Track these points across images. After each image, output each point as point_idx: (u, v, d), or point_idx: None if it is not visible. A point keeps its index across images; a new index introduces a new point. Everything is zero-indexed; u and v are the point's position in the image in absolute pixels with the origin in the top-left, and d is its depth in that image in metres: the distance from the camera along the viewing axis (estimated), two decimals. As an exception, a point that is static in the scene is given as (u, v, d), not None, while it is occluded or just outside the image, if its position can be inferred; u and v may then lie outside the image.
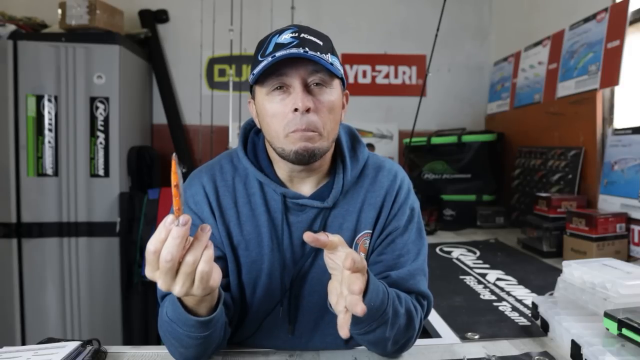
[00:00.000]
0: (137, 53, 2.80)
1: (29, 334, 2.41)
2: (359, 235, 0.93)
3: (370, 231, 0.94)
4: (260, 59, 0.82)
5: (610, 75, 1.88)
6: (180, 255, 0.62)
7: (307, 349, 0.97)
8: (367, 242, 0.94)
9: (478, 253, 1.94)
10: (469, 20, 3.23)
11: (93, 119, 2.44)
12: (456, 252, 1.96)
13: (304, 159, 0.83)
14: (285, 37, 0.81)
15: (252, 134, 0.97)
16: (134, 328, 2.56)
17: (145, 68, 2.98)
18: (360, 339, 0.86)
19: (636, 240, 1.71)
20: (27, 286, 2.42)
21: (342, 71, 0.89)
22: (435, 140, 2.85)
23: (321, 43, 0.84)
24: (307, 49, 0.79)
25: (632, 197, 1.73)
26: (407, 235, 0.94)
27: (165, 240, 0.61)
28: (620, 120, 1.95)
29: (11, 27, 2.40)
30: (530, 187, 2.39)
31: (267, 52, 0.81)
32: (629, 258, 1.71)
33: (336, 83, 0.87)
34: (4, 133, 2.37)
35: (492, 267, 1.71)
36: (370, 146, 3.17)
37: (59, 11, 2.43)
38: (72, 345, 0.88)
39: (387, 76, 3.25)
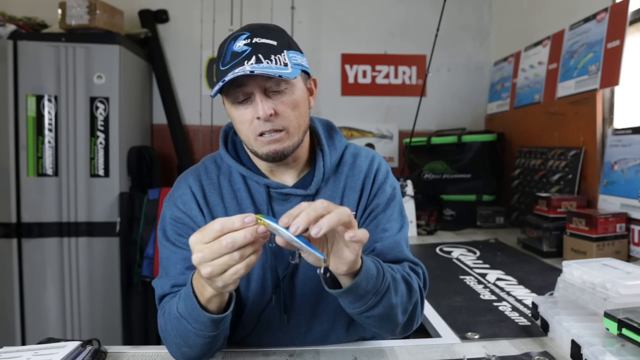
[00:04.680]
0: (137, 53, 2.80)
1: (29, 334, 2.41)
2: None
3: (354, 213, 0.95)
4: (221, 68, 0.85)
5: (610, 75, 1.88)
6: (235, 250, 0.65)
7: (306, 340, 0.97)
8: None
9: (478, 253, 1.94)
10: (469, 20, 3.23)
11: (93, 119, 2.44)
12: (456, 252, 1.96)
13: (276, 159, 0.89)
14: (239, 45, 0.84)
15: (232, 134, 1.02)
16: (134, 328, 2.56)
17: (145, 68, 2.98)
18: (370, 317, 0.82)
19: (636, 240, 1.71)
20: (27, 286, 2.42)
21: (303, 64, 0.90)
22: (435, 140, 2.85)
23: (275, 43, 0.86)
24: (260, 56, 0.82)
25: (632, 197, 1.73)
26: (389, 211, 0.98)
27: (234, 230, 0.64)
28: (620, 120, 1.95)
29: (11, 27, 2.40)
30: (530, 187, 2.39)
31: (226, 61, 0.84)
32: (629, 258, 1.71)
33: (297, 79, 0.89)
34: (4, 133, 2.37)
35: (492, 267, 1.71)
36: (371, 146, 3.17)
37: (59, 11, 2.43)
38: (72, 345, 0.88)
39: (387, 76, 3.24)
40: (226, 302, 0.77)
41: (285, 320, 0.95)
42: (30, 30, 2.50)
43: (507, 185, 2.71)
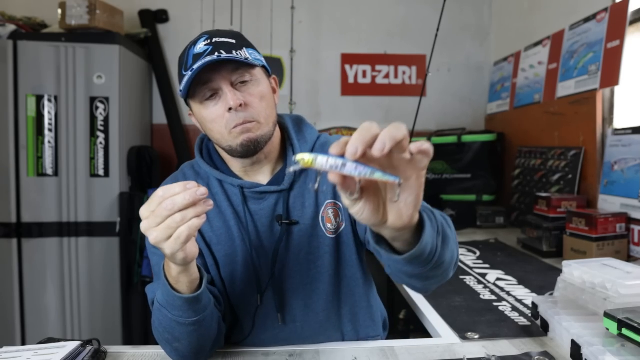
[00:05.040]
0: (137, 53, 2.79)
1: (29, 334, 2.41)
2: (322, 208, 0.97)
3: (332, 200, 0.97)
4: (184, 73, 0.87)
5: (610, 75, 1.88)
6: (176, 212, 0.66)
7: (304, 334, 0.98)
8: (331, 211, 0.97)
9: (478, 253, 1.94)
10: (469, 20, 3.23)
11: (93, 119, 2.44)
12: (456, 252, 1.96)
13: (250, 150, 0.90)
14: (200, 47, 0.87)
15: (206, 141, 1.04)
16: (134, 328, 2.56)
17: (145, 68, 2.98)
18: (441, 264, 0.73)
19: (636, 240, 1.71)
20: (27, 286, 2.42)
21: (262, 60, 0.94)
22: (435, 140, 2.85)
23: (234, 41, 0.89)
24: (222, 51, 0.84)
25: (632, 197, 1.73)
26: None
27: (176, 195, 0.66)
28: (620, 120, 1.95)
29: (11, 27, 2.39)
30: (530, 187, 2.39)
31: (189, 64, 0.86)
32: (629, 258, 1.71)
33: (259, 73, 0.92)
34: (4, 133, 2.37)
35: (492, 267, 1.71)
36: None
37: (59, 11, 2.42)
38: (72, 345, 0.89)
39: (387, 76, 3.24)
40: (198, 282, 0.78)
41: (279, 318, 0.96)
42: (30, 30, 2.50)
43: (507, 185, 2.71)
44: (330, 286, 0.97)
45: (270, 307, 0.96)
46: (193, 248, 0.70)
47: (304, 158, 0.53)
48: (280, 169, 0.99)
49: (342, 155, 0.53)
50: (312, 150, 1.01)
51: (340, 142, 0.53)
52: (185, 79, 0.85)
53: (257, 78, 0.91)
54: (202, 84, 0.87)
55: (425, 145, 0.54)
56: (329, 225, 0.96)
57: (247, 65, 0.88)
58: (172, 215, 0.65)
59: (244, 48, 0.89)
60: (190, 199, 0.65)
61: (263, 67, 0.95)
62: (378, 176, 0.53)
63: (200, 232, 0.95)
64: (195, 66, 0.82)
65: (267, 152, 0.95)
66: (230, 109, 0.86)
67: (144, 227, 0.67)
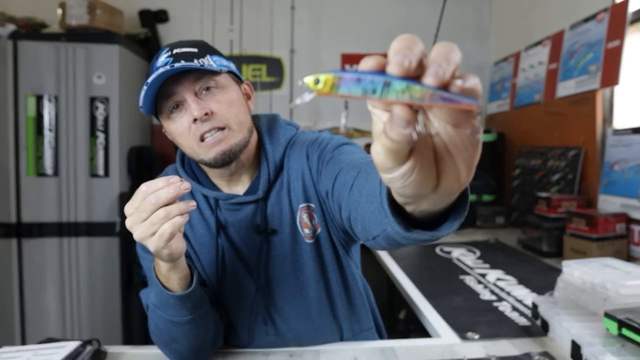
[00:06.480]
0: (137, 53, 2.79)
1: (29, 334, 2.42)
2: (297, 213, 0.94)
3: (304, 204, 0.94)
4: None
5: (610, 75, 1.88)
6: (160, 206, 0.66)
7: (303, 339, 0.98)
8: (305, 215, 0.93)
9: (478, 253, 1.94)
10: (469, 20, 3.23)
11: (93, 119, 2.44)
12: (456, 252, 1.96)
13: (226, 161, 0.86)
14: (162, 60, 0.85)
15: None
16: (134, 328, 2.56)
17: (145, 68, 2.98)
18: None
19: (636, 240, 1.71)
20: (27, 286, 2.42)
21: (230, 66, 0.90)
22: (435, 140, 2.84)
23: (196, 50, 0.86)
24: (181, 62, 0.81)
25: (632, 197, 1.73)
26: (337, 151, 0.89)
27: (160, 189, 0.66)
28: (620, 120, 1.95)
29: (11, 27, 2.40)
30: (530, 187, 2.39)
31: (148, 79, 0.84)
32: (629, 258, 1.71)
33: (226, 80, 0.88)
34: (4, 133, 2.37)
35: (492, 267, 1.71)
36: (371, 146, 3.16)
37: (59, 11, 2.43)
38: (72, 345, 0.89)
39: (387, 76, 3.24)
40: (189, 279, 0.78)
41: (265, 331, 0.96)
42: (30, 30, 2.50)
43: (507, 185, 2.71)
44: (320, 291, 0.96)
45: (262, 321, 0.96)
46: (179, 244, 0.70)
47: (318, 80, 0.33)
48: (256, 178, 0.95)
49: (379, 72, 0.33)
50: (284, 154, 0.96)
51: (369, 57, 0.35)
52: (142, 94, 0.83)
53: (223, 84, 0.87)
54: (166, 98, 0.84)
55: (475, 79, 0.35)
56: (306, 231, 0.93)
57: (211, 73, 0.85)
58: (156, 211, 0.65)
59: (208, 55, 0.86)
60: (174, 193, 0.66)
61: (232, 73, 0.91)
62: (446, 99, 0.32)
63: (186, 237, 0.94)
64: (150, 79, 0.80)
65: (244, 160, 0.92)
66: (195, 119, 0.83)
67: (128, 223, 0.67)
